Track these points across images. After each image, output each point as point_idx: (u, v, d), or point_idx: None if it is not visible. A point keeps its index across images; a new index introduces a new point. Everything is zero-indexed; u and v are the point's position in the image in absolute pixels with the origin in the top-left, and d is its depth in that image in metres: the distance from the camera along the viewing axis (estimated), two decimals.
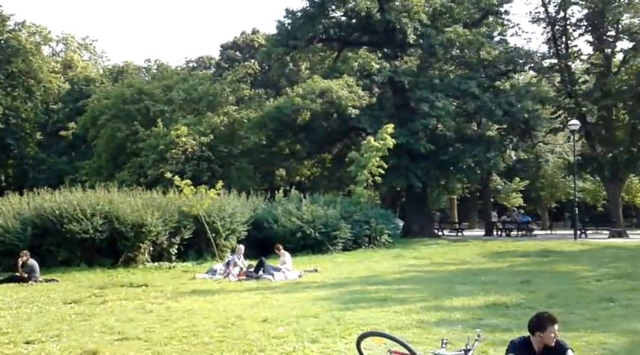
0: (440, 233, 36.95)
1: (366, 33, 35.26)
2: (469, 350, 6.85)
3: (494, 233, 37.64)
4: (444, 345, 7.19)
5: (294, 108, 30.58)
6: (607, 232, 33.67)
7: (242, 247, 18.99)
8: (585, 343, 8.41)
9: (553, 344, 5.48)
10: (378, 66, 31.01)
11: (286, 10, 34.11)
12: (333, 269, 19.02)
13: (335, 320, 10.30)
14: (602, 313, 10.77)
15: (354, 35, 35.96)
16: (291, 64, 41.96)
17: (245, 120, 35.53)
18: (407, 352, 6.91)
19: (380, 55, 32.61)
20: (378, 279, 16.22)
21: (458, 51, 32.89)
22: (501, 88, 34.22)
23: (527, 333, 5.68)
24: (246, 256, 19.69)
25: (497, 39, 36.07)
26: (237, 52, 51.73)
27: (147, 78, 47.20)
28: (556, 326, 5.47)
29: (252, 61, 43.11)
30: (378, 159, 26.14)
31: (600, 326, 9.55)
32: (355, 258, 22.42)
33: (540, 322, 5.49)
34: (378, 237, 25.89)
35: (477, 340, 7.04)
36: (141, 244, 20.34)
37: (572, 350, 5.53)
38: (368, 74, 31.31)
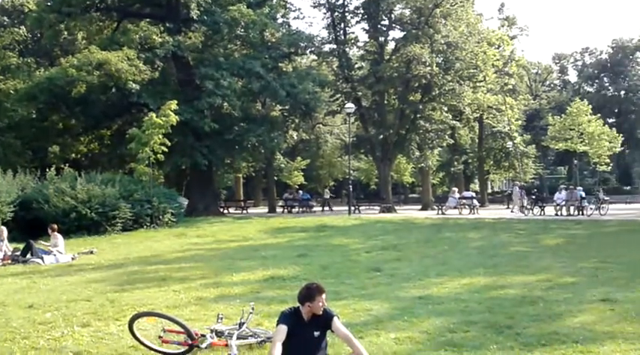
0: (225, 211, 37.17)
1: (148, 5, 33.99)
2: (243, 323, 6.99)
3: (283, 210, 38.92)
4: (219, 320, 7.26)
5: (69, 79, 28.44)
6: (378, 208, 36.34)
7: (3, 229, 17.36)
8: (353, 310, 8.95)
9: (321, 312, 5.70)
10: (160, 40, 30.05)
11: None
12: (111, 250, 18.23)
13: (109, 303, 9.89)
14: (370, 282, 11.57)
15: (134, 6, 34.42)
16: (65, 33, 38.98)
17: (12, 92, 32.47)
18: (182, 330, 6.86)
19: (162, 28, 31.62)
20: (159, 259, 15.86)
21: (242, 30, 33.01)
22: (284, 69, 35.08)
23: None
24: (14, 239, 18.13)
25: (280, 21, 36.86)
26: (5, 17, 46.89)
27: None
28: (324, 296, 5.68)
29: (22, 27, 39.41)
30: (160, 136, 25.39)
31: (367, 295, 10.24)
32: (136, 238, 21.70)
33: (309, 292, 5.67)
34: (160, 217, 25.27)
35: (250, 313, 7.20)
36: None
37: (338, 317, 5.80)
38: (150, 48, 30.20)
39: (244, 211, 38.61)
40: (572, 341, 6.88)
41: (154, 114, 25.59)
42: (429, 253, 15.76)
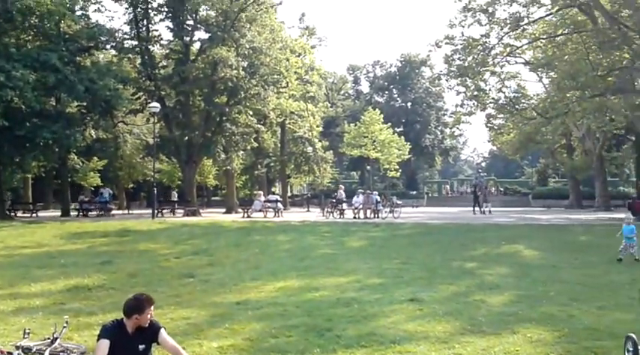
0: (12, 214, 34.07)
1: None
2: (56, 338, 6.46)
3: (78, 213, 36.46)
4: (26, 336, 6.64)
5: None
6: (182, 211, 35.65)
7: None
8: (170, 319, 8.65)
9: (147, 324, 5.48)
10: None
11: None
12: None
13: None
14: (184, 289, 11.28)
15: None
16: None
17: None
18: None
19: None
20: None
21: (37, 20, 30.46)
22: (82, 64, 33.03)
23: (115, 316, 5.59)
24: None
25: (79, 13, 34.64)
26: None
27: None
28: (152, 307, 5.50)
29: None
30: None
31: (183, 302, 9.97)
32: None
33: (138, 304, 5.43)
34: None
35: (64, 327, 6.69)
36: None
37: (164, 329, 5.62)
38: None
39: (34, 215, 35.72)
40: (390, 342, 7.27)
41: None
42: (241, 257, 15.77)
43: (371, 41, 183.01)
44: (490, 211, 36.42)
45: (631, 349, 5.98)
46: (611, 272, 12.56)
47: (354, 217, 31.20)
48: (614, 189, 56.06)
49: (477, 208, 36.96)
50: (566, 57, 34.80)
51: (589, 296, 9.92)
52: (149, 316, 5.46)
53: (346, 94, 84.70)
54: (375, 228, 23.73)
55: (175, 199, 41.55)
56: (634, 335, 6.01)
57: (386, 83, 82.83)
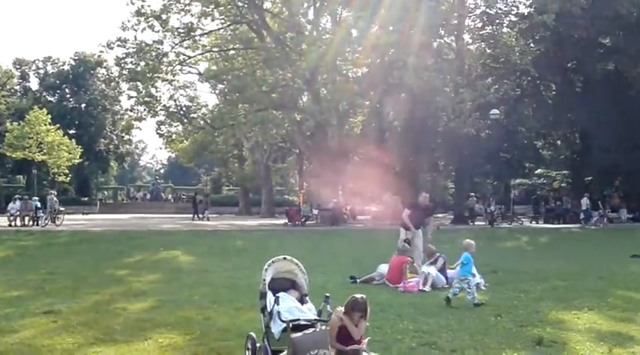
0: None
1: None
2: None
3: None
4: None
5: None
6: None
7: None
8: None
9: None
10: None
11: None
12: None
13: None
14: None
15: None
16: None
17: None
18: None
19: None
20: None
21: None
22: None
23: None
24: None
25: None
26: None
27: None
28: None
29: None
30: None
31: None
32: None
33: None
34: None
35: None
36: None
37: None
38: None
39: None
40: None
41: None
42: None
43: (42, 36, 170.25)
44: (209, 218, 38.73)
45: (250, 347, 6.28)
46: (255, 275, 13.28)
47: (10, 225, 28.53)
48: (280, 198, 60.67)
49: (197, 215, 39.67)
50: (236, 71, 36.69)
51: (230, 298, 10.25)
52: None
53: (12, 90, 77.27)
54: (29, 236, 21.94)
55: None
56: (253, 334, 6.32)
57: (58, 81, 77.69)
